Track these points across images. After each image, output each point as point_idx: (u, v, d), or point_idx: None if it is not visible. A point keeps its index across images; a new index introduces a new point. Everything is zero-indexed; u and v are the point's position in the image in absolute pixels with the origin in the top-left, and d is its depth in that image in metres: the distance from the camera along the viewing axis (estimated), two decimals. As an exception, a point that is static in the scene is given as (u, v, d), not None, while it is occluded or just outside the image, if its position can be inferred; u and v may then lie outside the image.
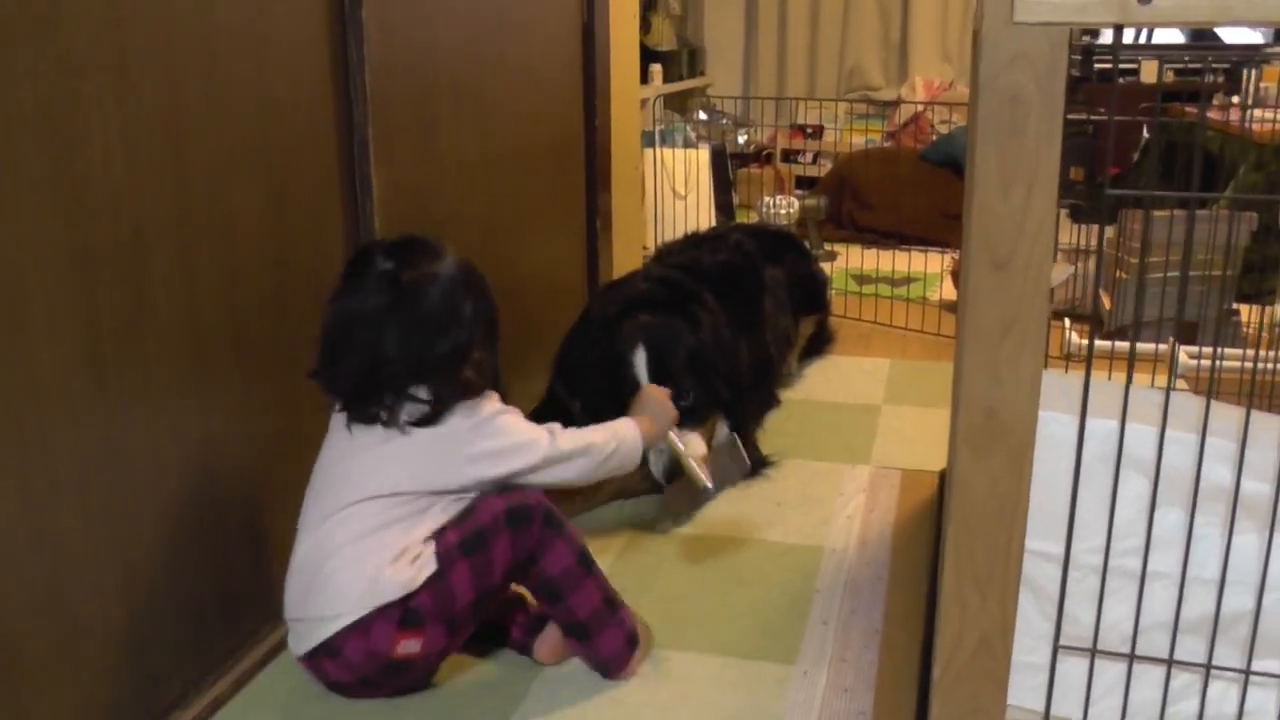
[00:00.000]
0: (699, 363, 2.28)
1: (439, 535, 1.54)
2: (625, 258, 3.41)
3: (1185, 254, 1.38)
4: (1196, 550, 1.24)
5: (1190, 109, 3.80)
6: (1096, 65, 4.64)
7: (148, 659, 1.50)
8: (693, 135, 4.96)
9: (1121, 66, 4.49)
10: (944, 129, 5.30)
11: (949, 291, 3.89)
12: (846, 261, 4.32)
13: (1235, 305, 3.17)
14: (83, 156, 1.32)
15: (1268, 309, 2.96)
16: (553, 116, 2.85)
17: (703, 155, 4.59)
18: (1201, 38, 4.29)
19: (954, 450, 1.12)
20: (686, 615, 1.84)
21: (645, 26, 5.17)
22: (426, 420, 1.54)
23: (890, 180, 4.73)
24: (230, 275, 1.61)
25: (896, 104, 5.57)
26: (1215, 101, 4.08)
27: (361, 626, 1.50)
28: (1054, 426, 1.21)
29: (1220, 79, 4.25)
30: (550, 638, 1.67)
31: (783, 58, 6.06)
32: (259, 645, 1.72)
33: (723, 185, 4.85)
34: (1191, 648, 1.26)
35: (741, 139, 5.68)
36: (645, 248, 3.84)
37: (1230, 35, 4.34)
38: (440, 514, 1.56)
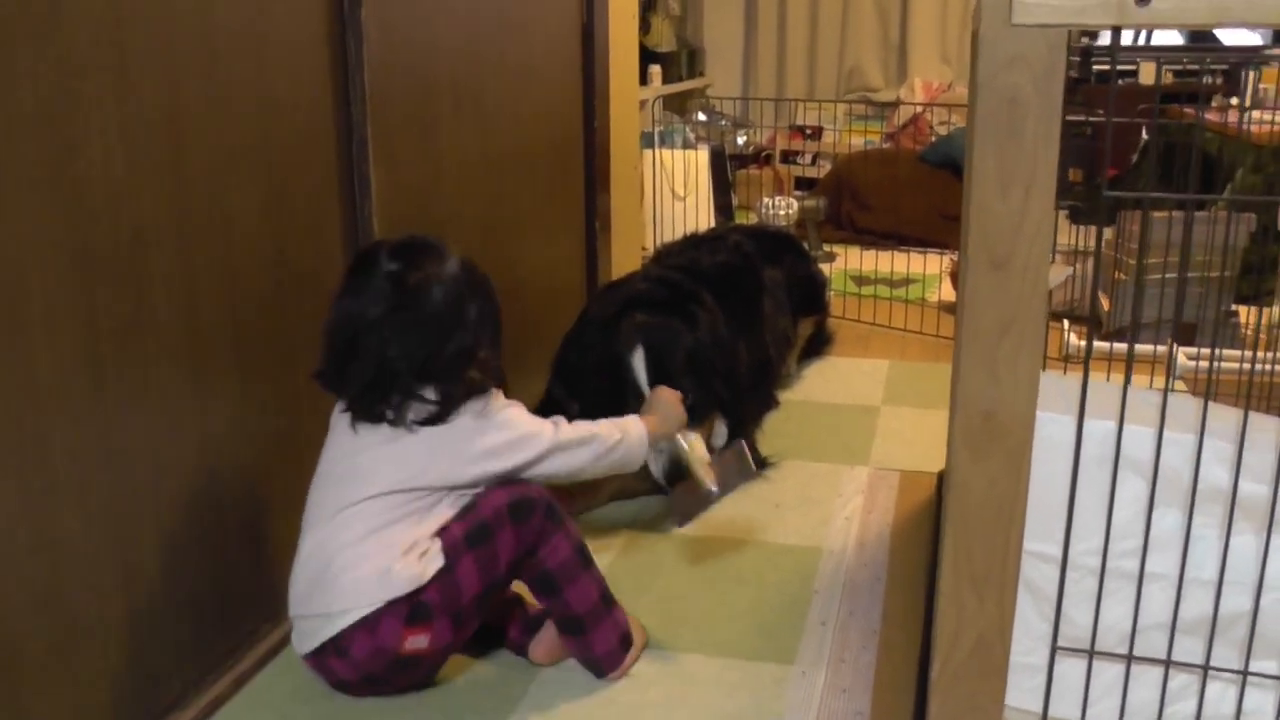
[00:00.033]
0: (697, 363, 2.28)
1: (444, 530, 1.55)
2: (624, 258, 3.41)
3: (1183, 255, 1.38)
4: (1194, 551, 1.24)
5: (1189, 110, 3.81)
6: (1095, 67, 4.64)
7: (147, 659, 1.50)
8: (692, 136, 4.96)
9: (1120, 68, 4.50)
10: (943, 130, 5.30)
11: (948, 293, 3.89)
12: (845, 262, 4.33)
13: (1234, 306, 3.18)
14: (82, 157, 1.32)
15: (1266, 310, 2.97)
16: (552, 117, 2.86)
17: (702, 156, 4.59)
18: (1200, 39, 4.29)
19: (952, 451, 1.13)
20: (685, 616, 1.84)
21: (645, 27, 5.17)
22: (434, 419, 1.55)
23: (889, 181, 4.73)
24: (229, 275, 1.61)
25: (895, 105, 5.58)
26: (1214, 103, 4.08)
27: (369, 623, 1.50)
28: (1052, 427, 1.21)
29: (1219, 80, 4.25)
30: (546, 638, 1.68)
31: (782, 59, 6.06)
32: (258, 645, 1.72)
33: (722, 186, 4.85)
34: (1189, 648, 1.26)
35: (741, 140, 5.68)
36: (644, 248, 3.84)
37: (1229, 37, 4.34)
38: (447, 510, 1.57)
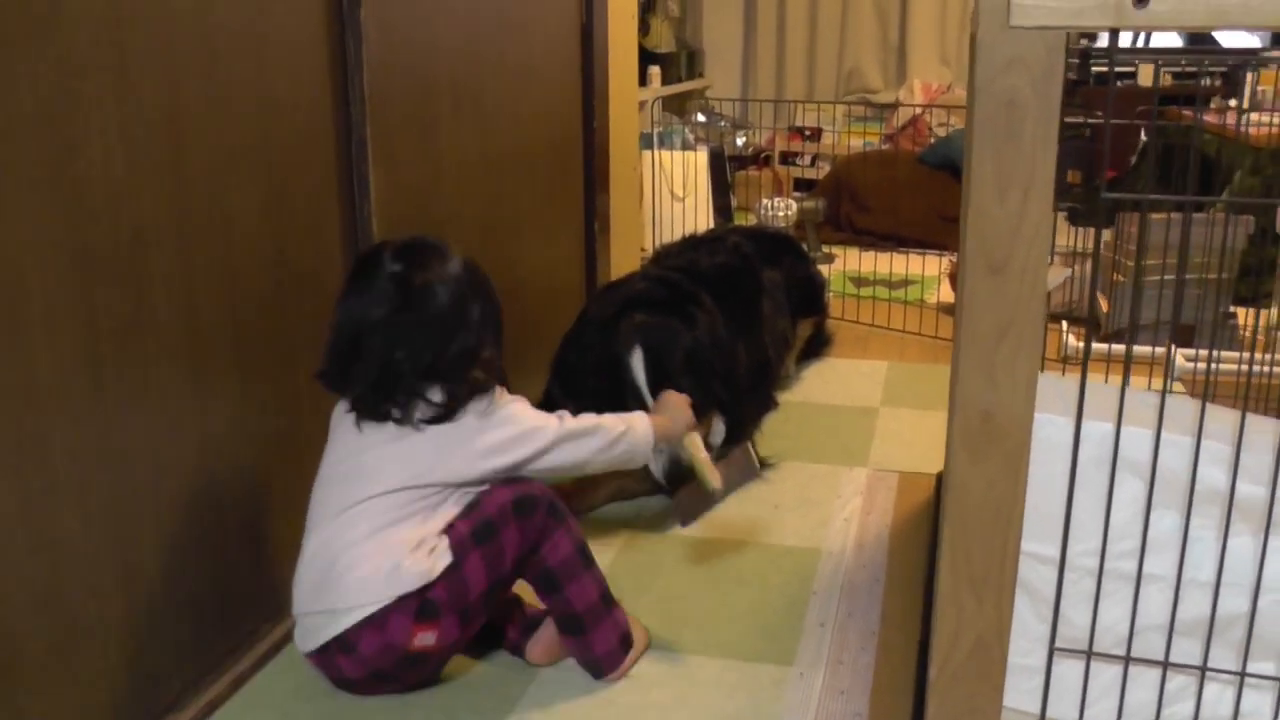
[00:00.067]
0: (696, 362, 2.29)
1: (450, 528, 1.55)
2: (623, 259, 3.41)
3: (1180, 257, 1.38)
4: (1192, 553, 1.24)
5: (1188, 112, 3.81)
6: (1093, 68, 4.64)
7: (147, 659, 1.50)
8: (691, 137, 4.96)
9: (1119, 70, 4.50)
10: (942, 132, 5.30)
11: (946, 294, 3.89)
12: (844, 264, 4.33)
13: (1232, 308, 3.18)
14: (82, 157, 1.32)
15: (1264, 312, 2.97)
16: (551, 118, 2.86)
17: (701, 157, 4.60)
18: (1199, 41, 4.30)
19: (950, 453, 1.13)
20: (684, 616, 1.85)
21: (644, 28, 5.17)
22: (440, 418, 1.55)
23: (888, 183, 4.73)
24: (229, 275, 1.61)
25: (895, 107, 5.58)
26: (1212, 105, 4.09)
27: (378, 620, 1.50)
28: (1050, 429, 1.22)
29: (1217, 83, 4.26)
30: (543, 638, 1.68)
31: (781, 60, 6.06)
32: (258, 645, 1.72)
33: (721, 187, 4.85)
34: (1187, 650, 1.26)
35: (740, 141, 5.68)
36: (643, 249, 3.84)
37: (1227, 39, 4.35)
38: (453, 507, 1.57)
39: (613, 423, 1.68)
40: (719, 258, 2.84)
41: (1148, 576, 1.24)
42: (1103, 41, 1.04)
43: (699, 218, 4.36)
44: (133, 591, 1.47)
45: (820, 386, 3.06)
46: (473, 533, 1.55)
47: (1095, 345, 2.94)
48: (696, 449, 1.88)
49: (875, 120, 5.68)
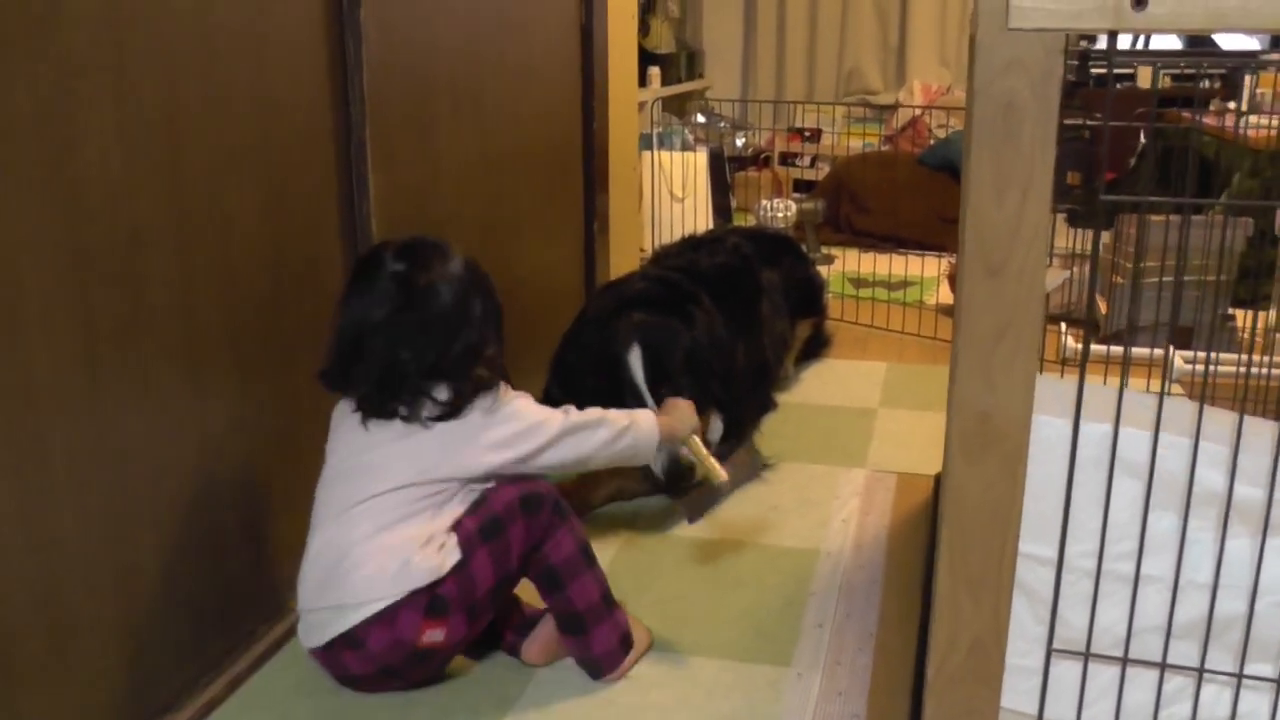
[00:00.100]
0: (694, 360, 2.29)
1: (457, 525, 1.56)
2: (622, 260, 3.42)
3: (1178, 259, 1.38)
4: (1189, 554, 1.24)
5: (1187, 114, 3.81)
6: (1093, 70, 4.65)
7: (144, 659, 1.50)
8: (690, 138, 4.96)
9: (1118, 72, 4.50)
10: (942, 133, 5.30)
11: (945, 295, 3.89)
12: (844, 265, 4.33)
13: (1230, 311, 3.18)
14: (80, 157, 1.32)
15: (1262, 314, 2.97)
16: (551, 118, 2.86)
17: (700, 158, 4.60)
18: (1198, 44, 4.30)
19: (948, 454, 1.13)
20: (682, 617, 1.85)
21: (644, 29, 5.17)
22: (446, 415, 1.56)
23: (888, 184, 4.73)
24: (228, 275, 1.61)
25: (894, 108, 5.58)
26: (1212, 107, 4.09)
27: (388, 616, 1.51)
28: (1048, 430, 1.22)
29: (1217, 85, 4.26)
30: (539, 638, 1.68)
31: (781, 61, 6.06)
32: (255, 645, 1.72)
33: (720, 188, 4.85)
34: (1185, 651, 1.26)
35: (739, 142, 5.68)
36: (642, 250, 3.84)
37: (1227, 41, 4.35)
38: (460, 503, 1.58)
39: (618, 417, 1.70)
40: (718, 258, 2.84)
41: (1145, 578, 1.24)
42: (1102, 43, 1.04)
43: (698, 218, 4.36)
44: (130, 591, 1.47)
45: (819, 387, 3.06)
46: (480, 530, 1.56)
47: (1094, 347, 2.94)
48: (700, 449, 1.89)
49: (875, 121, 5.68)
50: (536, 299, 2.71)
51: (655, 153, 4.37)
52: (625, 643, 1.67)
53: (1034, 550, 1.26)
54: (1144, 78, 4.68)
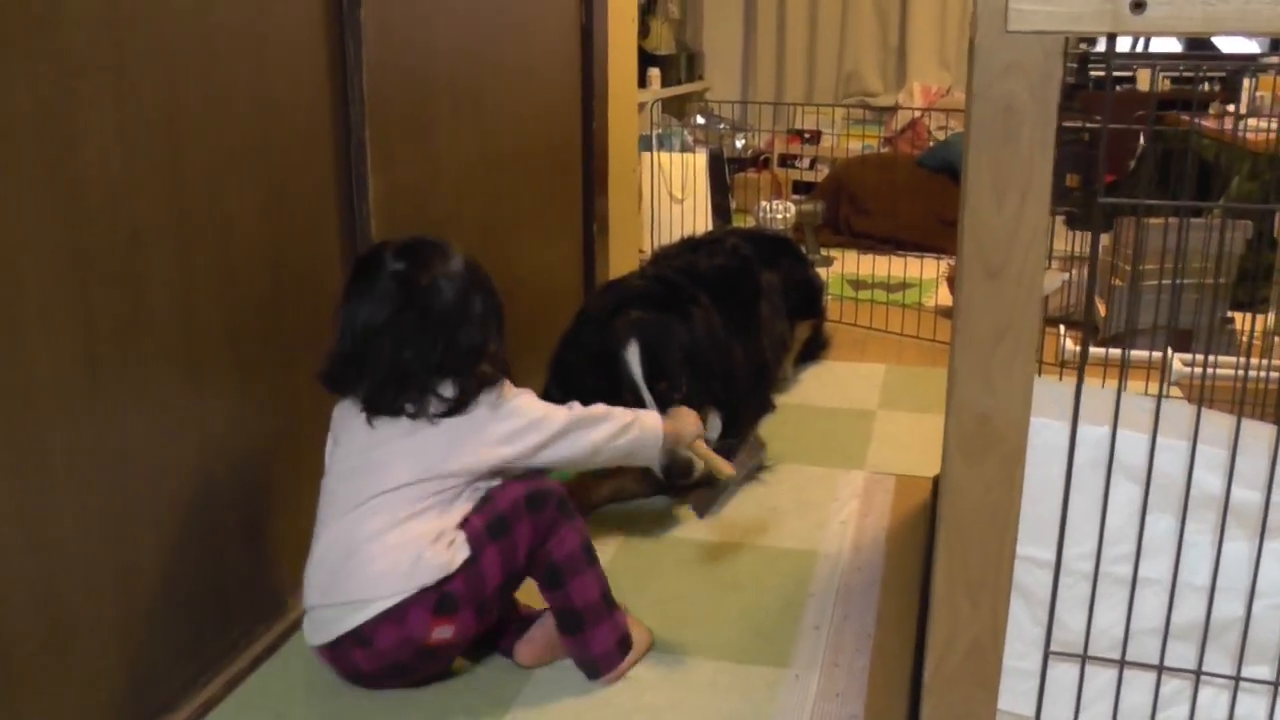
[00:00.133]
0: (692, 357, 2.30)
1: (465, 522, 1.57)
2: (622, 261, 3.42)
3: (1176, 262, 1.39)
4: (1187, 557, 1.24)
5: (1186, 117, 3.82)
6: (1092, 73, 4.65)
7: (143, 659, 1.50)
8: (690, 139, 4.97)
9: (1117, 74, 4.50)
10: (941, 135, 5.30)
11: (945, 297, 3.89)
12: (843, 266, 4.33)
13: (1229, 313, 3.19)
14: (80, 157, 1.32)
15: (1260, 317, 2.97)
16: (551, 119, 2.86)
17: (700, 159, 4.60)
18: (1198, 46, 4.30)
19: (947, 456, 1.13)
20: (680, 618, 1.85)
21: (644, 30, 5.17)
22: (452, 411, 1.57)
23: (887, 186, 4.74)
24: (227, 276, 1.61)
25: (894, 110, 5.58)
26: (1211, 110, 4.09)
27: (397, 613, 1.51)
28: (1046, 433, 1.22)
29: (1216, 88, 4.26)
30: (532, 640, 1.68)
31: (781, 63, 6.07)
32: (254, 645, 1.72)
33: (720, 189, 4.85)
34: (1182, 654, 1.26)
35: (739, 143, 5.68)
36: (641, 251, 3.84)
37: (1227, 44, 4.36)
38: (467, 500, 1.59)
39: (623, 414, 1.72)
40: (717, 260, 2.84)
41: (1143, 580, 1.24)
42: (1101, 46, 1.04)
43: (697, 220, 4.36)
44: (130, 591, 1.47)
45: (818, 389, 3.06)
46: (487, 527, 1.56)
47: (1093, 349, 2.95)
48: (704, 452, 1.90)
49: (874, 123, 5.68)
50: (536, 299, 2.71)
51: (655, 154, 4.37)
52: (623, 644, 1.67)
53: (1032, 552, 1.26)
54: (1143, 80, 4.69)
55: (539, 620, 1.69)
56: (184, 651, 1.59)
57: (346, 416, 1.63)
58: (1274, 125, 3.28)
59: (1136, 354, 2.87)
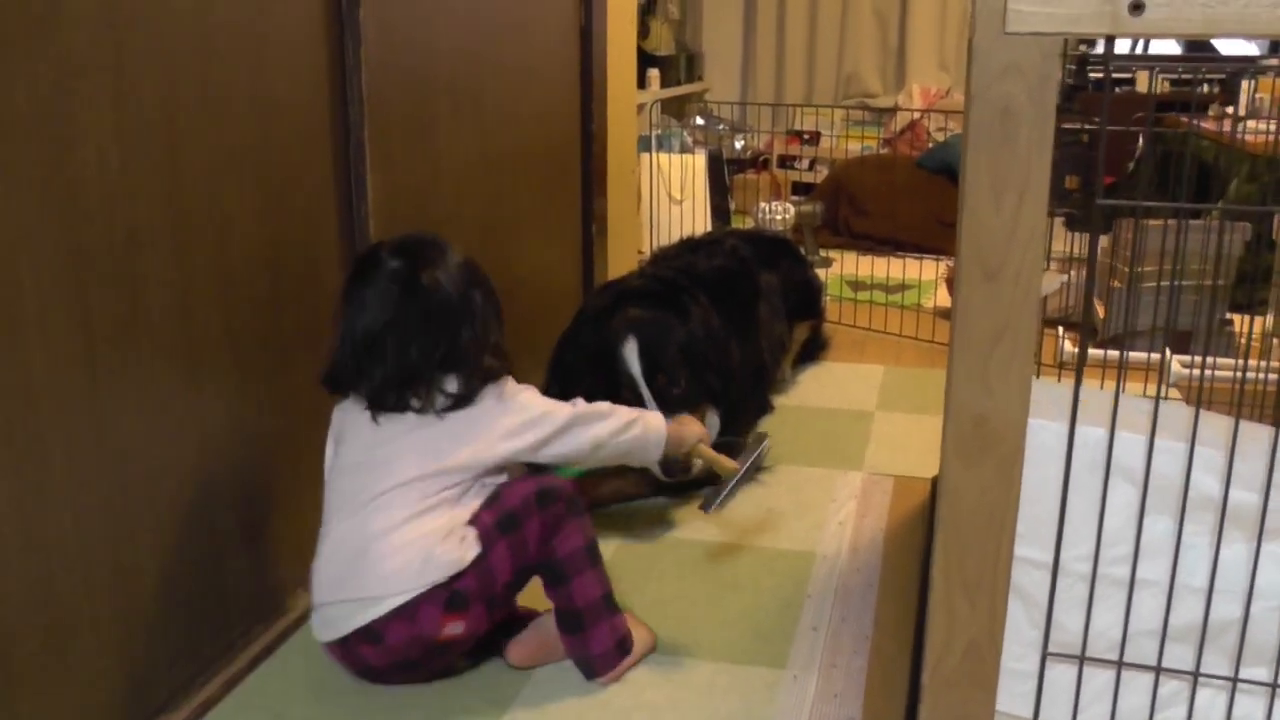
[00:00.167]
0: (689, 353, 2.30)
1: (476, 518, 1.58)
2: (620, 261, 3.42)
3: (1174, 263, 1.39)
4: (1185, 559, 1.24)
5: (1185, 119, 3.82)
6: (1091, 74, 4.65)
7: (140, 659, 1.50)
8: (689, 140, 4.97)
9: (1117, 76, 4.51)
10: (940, 136, 5.31)
11: (943, 298, 3.89)
12: (842, 268, 4.33)
13: (1228, 315, 3.19)
14: (79, 157, 1.32)
15: (1258, 319, 2.97)
16: (550, 119, 2.86)
17: (699, 160, 4.60)
18: (1197, 48, 4.30)
19: (944, 458, 1.13)
20: (678, 619, 1.85)
21: (643, 31, 5.18)
22: (458, 405, 1.58)
23: (886, 187, 4.74)
24: (225, 276, 1.61)
25: (893, 111, 5.58)
26: (1210, 112, 4.09)
27: (408, 611, 1.51)
28: (1044, 434, 1.22)
29: (1215, 90, 4.26)
30: (526, 640, 1.68)
31: (780, 64, 6.07)
32: (251, 646, 1.72)
33: (719, 190, 4.85)
34: (1180, 655, 1.26)
35: (738, 144, 5.68)
36: (640, 251, 3.84)
37: (1226, 46, 4.36)
38: (475, 496, 1.60)
39: (626, 411, 1.74)
40: (716, 260, 2.84)
41: (1141, 582, 1.24)
42: (1100, 48, 1.04)
43: (697, 221, 4.36)
44: (128, 591, 1.47)
45: (816, 390, 3.06)
46: (497, 523, 1.57)
47: (1092, 351, 2.95)
48: (707, 454, 1.91)
49: (874, 124, 5.68)
50: (535, 299, 2.72)
51: (654, 155, 4.37)
52: (622, 646, 1.67)
53: (1030, 554, 1.26)
54: (1142, 82, 4.69)
55: (535, 621, 1.70)
56: (182, 651, 1.59)
57: (349, 416, 1.63)
58: (1273, 127, 3.28)
59: (1135, 355, 2.87)
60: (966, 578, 1.13)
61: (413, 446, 1.57)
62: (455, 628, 1.55)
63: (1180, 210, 2.21)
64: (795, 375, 3.16)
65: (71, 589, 1.36)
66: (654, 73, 5.18)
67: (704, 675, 1.69)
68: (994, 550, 1.12)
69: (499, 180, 2.53)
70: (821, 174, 5.53)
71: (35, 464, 1.29)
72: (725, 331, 2.53)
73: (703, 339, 2.37)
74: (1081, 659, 1.24)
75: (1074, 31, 0.98)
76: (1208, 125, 3.83)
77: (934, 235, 4.55)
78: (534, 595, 1.67)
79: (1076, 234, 3.31)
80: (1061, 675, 1.28)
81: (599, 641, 1.64)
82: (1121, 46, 4.01)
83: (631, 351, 2.24)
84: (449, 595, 1.53)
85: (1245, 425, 1.26)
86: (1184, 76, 4.29)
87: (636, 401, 2.16)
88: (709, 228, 4.39)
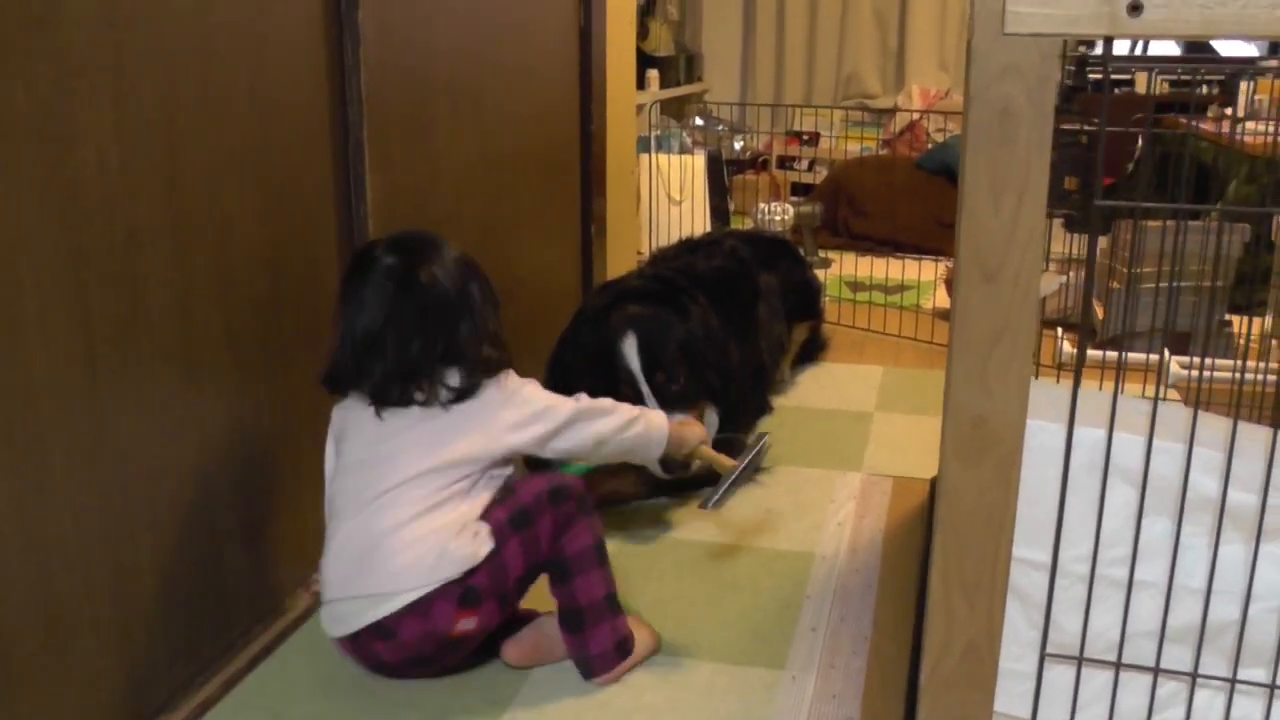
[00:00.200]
0: (688, 350, 2.31)
1: (488, 514, 1.58)
2: (620, 262, 3.42)
3: (1173, 265, 1.39)
4: (1183, 560, 1.24)
5: (1185, 120, 3.82)
6: (1091, 75, 4.65)
7: (138, 659, 1.50)
8: (689, 141, 4.97)
9: (1117, 77, 4.51)
10: (940, 137, 5.31)
11: (943, 299, 3.89)
12: (841, 268, 4.33)
13: (1228, 316, 3.19)
14: (78, 156, 1.32)
15: (1257, 320, 2.97)
16: (549, 119, 2.86)
17: (698, 161, 4.60)
18: (1197, 49, 4.31)
19: (943, 459, 1.13)
20: (676, 620, 1.85)
21: (643, 32, 5.18)
22: (462, 396, 1.59)
23: (886, 188, 4.74)
24: (225, 276, 1.61)
25: (893, 112, 5.59)
26: (1209, 113, 4.10)
27: (421, 607, 1.52)
28: (1042, 435, 1.22)
29: (1214, 91, 4.26)
30: (522, 639, 1.68)
31: (780, 64, 6.07)
32: (250, 646, 1.72)
33: (718, 191, 4.85)
34: (1178, 656, 1.26)
35: (738, 145, 5.68)
36: (639, 252, 3.85)
37: (1225, 47, 4.36)
38: (485, 488, 1.61)
39: (629, 408, 1.76)
40: (715, 261, 2.84)
41: (1139, 583, 1.24)
42: (1099, 49, 1.04)
43: (696, 221, 4.36)
44: (128, 591, 1.47)
45: (815, 391, 3.06)
46: (510, 520, 1.58)
47: (1091, 352, 2.95)
48: (707, 455, 1.91)
49: (873, 125, 5.68)
50: (534, 300, 2.72)
51: (653, 155, 4.37)
52: (621, 648, 1.67)
53: (1028, 555, 1.26)
54: (1142, 83, 4.69)
55: (534, 622, 1.70)
56: (182, 651, 1.59)
57: (351, 415, 1.63)
58: (1272, 128, 3.28)
59: (1134, 357, 2.87)
60: (965, 578, 1.13)
61: (418, 440, 1.57)
62: (468, 623, 1.55)
63: (1179, 211, 2.21)
64: (794, 376, 3.16)
65: (71, 589, 1.36)
66: (653, 73, 5.18)
67: (703, 676, 1.69)
68: (992, 551, 1.12)
69: (498, 181, 2.53)
70: (821, 175, 5.53)
71: (35, 464, 1.29)
72: (724, 332, 2.53)
73: (701, 337, 2.38)
74: (1080, 660, 1.24)
75: (1072, 32, 0.98)
76: (1207, 126, 3.83)
77: (933, 236, 4.55)
78: (534, 596, 1.67)
79: (1075, 235, 3.31)
80: (1060, 676, 1.28)
81: (598, 641, 1.64)
82: (1121, 48, 4.01)
83: (631, 348, 2.24)
84: (463, 591, 1.53)
85: (1244, 426, 1.26)
86: (1183, 78, 4.29)
87: (636, 398, 2.16)
88: (708, 228, 4.39)
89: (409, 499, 1.54)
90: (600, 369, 2.25)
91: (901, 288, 4.00)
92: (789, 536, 2.17)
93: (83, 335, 1.35)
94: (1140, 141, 3.97)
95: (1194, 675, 1.25)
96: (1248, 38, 1.06)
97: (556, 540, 1.61)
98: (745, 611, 1.88)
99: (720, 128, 5.56)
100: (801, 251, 3.65)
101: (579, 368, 2.30)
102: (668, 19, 5.73)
